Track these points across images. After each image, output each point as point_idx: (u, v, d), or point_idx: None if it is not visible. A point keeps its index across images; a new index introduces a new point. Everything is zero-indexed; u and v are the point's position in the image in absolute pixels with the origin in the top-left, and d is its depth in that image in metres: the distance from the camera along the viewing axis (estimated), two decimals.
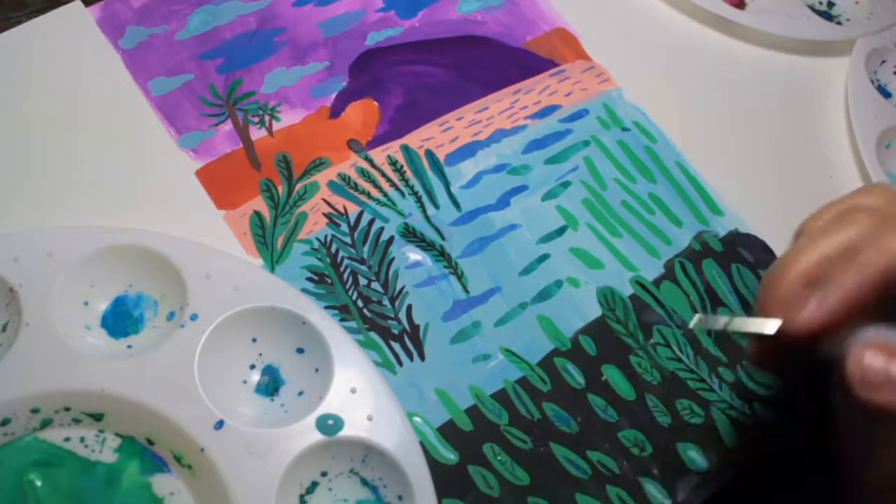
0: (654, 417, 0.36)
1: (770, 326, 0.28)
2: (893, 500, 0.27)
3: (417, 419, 0.34)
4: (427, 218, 0.39)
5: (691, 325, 0.37)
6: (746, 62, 0.48)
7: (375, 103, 0.42)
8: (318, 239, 0.38)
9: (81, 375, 0.31)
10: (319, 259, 0.37)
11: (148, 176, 0.37)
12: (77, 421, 0.31)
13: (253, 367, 0.34)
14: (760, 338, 0.28)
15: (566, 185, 0.41)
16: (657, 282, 0.40)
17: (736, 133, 0.45)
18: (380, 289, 0.37)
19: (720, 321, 0.31)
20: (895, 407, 0.25)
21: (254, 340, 0.34)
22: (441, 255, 0.38)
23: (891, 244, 0.25)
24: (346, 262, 0.37)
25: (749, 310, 0.40)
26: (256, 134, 0.40)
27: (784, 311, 0.27)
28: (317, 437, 0.31)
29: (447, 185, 0.40)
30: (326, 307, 0.36)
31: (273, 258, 0.37)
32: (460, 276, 0.38)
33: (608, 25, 0.47)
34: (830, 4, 0.52)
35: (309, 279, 0.36)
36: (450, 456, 0.34)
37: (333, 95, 0.41)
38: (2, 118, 0.37)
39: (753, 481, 0.37)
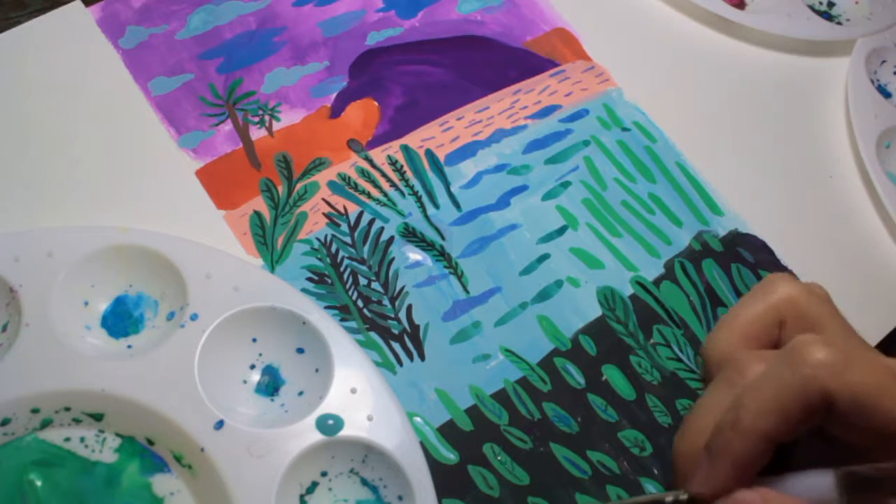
0: (655, 417, 0.36)
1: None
2: None
3: (417, 419, 0.34)
4: (427, 218, 0.39)
5: None
6: (746, 62, 0.48)
7: (375, 103, 0.42)
8: (318, 239, 0.38)
9: (81, 375, 0.31)
10: (319, 259, 0.37)
11: (148, 176, 0.37)
12: (77, 421, 0.31)
13: (253, 367, 0.34)
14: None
15: (566, 185, 0.41)
16: (657, 282, 0.40)
17: (736, 133, 0.45)
18: (380, 289, 0.37)
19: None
20: None
21: (254, 340, 0.34)
22: (441, 255, 0.38)
23: (766, 406, 0.25)
24: (346, 262, 0.37)
25: None
26: (256, 134, 0.40)
27: (684, 482, 0.28)
28: (317, 437, 0.31)
29: (447, 185, 0.40)
30: (326, 307, 0.36)
31: (273, 258, 0.37)
32: (460, 276, 0.38)
33: (608, 25, 0.47)
34: (830, 4, 0.52)
35: (309, 279, 0.36)
36: (450, 456, 0.34)
37: (333, 95, 0.41)
38: (2, 118, 0.37)
39: None
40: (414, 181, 0.40)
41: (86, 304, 0.33)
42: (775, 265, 0.41)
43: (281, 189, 0.38)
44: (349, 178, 0.39)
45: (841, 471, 0.25)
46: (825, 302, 0.30)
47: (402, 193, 0.39)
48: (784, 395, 0.25)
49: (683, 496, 0.28)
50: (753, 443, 0.25)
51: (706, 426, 0.27)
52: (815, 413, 0.25)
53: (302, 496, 0.31)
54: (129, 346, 0.33)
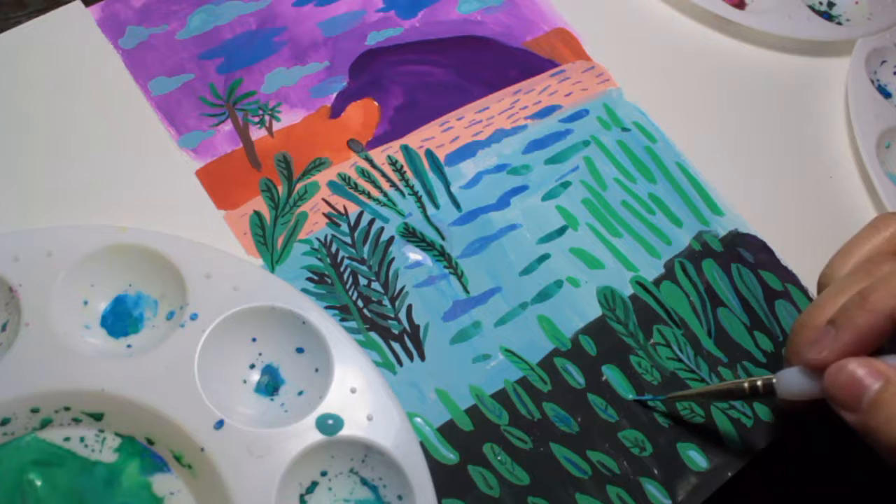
0: (655, 417, 0.36)
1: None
2: None
3: (417, 419, 0.34)
4: (427, 218, 0.39)
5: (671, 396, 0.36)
6: (746, 62, 0.48)
7: (375, 103, 0.42)
8: (318, 239, 0.38)
9: (81, 375, 0.31)
10: (319, 259, 0.37)
11: (148, 176, 0.37)
12: (77, 421, 0.31)
13: (253, 366, 0.34)
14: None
15: (566, 185, 0.41)
16: (657, 282, 0.40)
17: (736, 133, 0.45)
18: (380, 289, 0.37)
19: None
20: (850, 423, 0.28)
21: (254, 340, 0.34)
22: (441, 255, 0.38)
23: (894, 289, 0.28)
24: (346, 262, 0.37)
25: (748, 311, 0.40)
26: (256, 134, 0.40)
27: (798, 352, 0.31)
28: (317, 436, 0.31)
29: (447, 185, 0.40)
30: (326, 307, 0.36)
31: (273, 258, 0.37)
32: (460, 276, 0.38)
33: (608, 25, 0.47)
34: (830, 5, 0.52)
35: (309, 279, 0.36)
36: (450, 456, 0.34)
37: (333, 95, 0.41)
38: (2, 118, 0.37)
39: (754, 481, 0.37)
40: (414, 181, 0.40)
41: (85, 303, 0.33)
42: (775, 265, 0.41)
43: (281, 189, 0.38)
44: (349, 178, 0.39)
45: None
46: None
47: (402, 193, 0.39)
48: None
49: (759, 382, 0.32)
50: (877, 319, 0.28)
51: (833, 306, 0.30)
52: None
53: (302, 496, 0.31)
54: (129, 346, 0.33)
